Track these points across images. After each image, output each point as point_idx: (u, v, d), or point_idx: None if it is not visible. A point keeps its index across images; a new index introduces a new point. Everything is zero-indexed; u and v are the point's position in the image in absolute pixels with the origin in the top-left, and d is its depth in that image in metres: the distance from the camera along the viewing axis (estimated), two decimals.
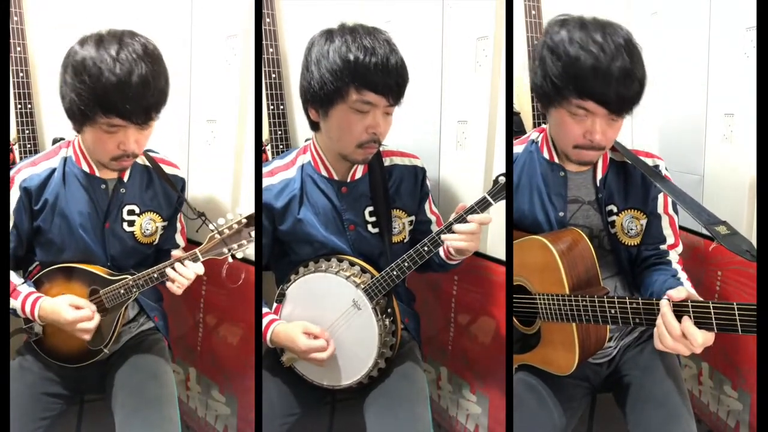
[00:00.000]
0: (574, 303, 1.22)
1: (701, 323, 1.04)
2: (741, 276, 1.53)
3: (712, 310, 1.02)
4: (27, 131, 2.08)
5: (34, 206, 1.42)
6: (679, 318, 1.06)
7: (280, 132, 2.01)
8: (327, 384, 1.44)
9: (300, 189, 1.42)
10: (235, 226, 1.35)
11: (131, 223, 1.47)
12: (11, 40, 2.02)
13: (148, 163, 1.50)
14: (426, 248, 1.32)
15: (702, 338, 1.04)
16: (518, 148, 1.43)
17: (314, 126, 1.41)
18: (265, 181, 1.42)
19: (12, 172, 1.43)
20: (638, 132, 1.90)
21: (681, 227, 1.41)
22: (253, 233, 1.36)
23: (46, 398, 1.44)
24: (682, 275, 1.33)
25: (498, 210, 1.32)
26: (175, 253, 1.39)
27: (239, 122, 1.61)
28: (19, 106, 2.06)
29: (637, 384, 1.37)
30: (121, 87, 1.25)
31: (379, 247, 1.45)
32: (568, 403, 1.39)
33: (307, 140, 1.50)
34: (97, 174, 1.44)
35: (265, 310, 1.43)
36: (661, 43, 1.79)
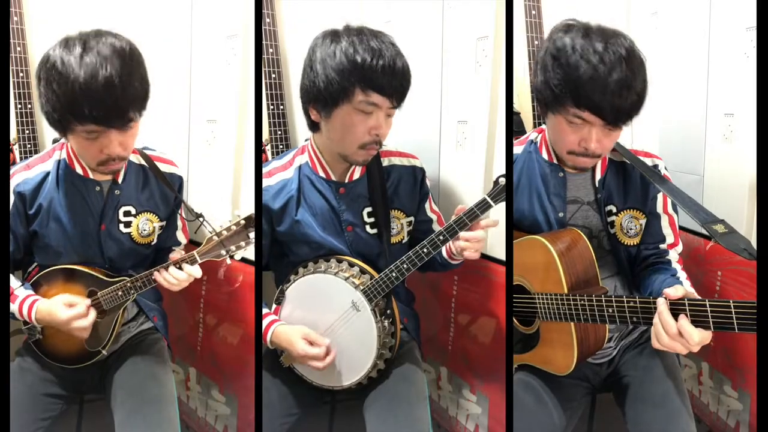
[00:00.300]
0: (572, 302, 1.22)
1: (698, 322, 1.04)
2: (741, 276, 1.53)
3: (708, 309, 1.02)
4: (27, 131, 2.08)
5: (29, 211, 1.41)
6: (675, 316, 1.06)
7: (280, 132, 2.01)
8: (327, 385, 1.44)
9: (297, 190, 1.42)
10: (234, 227, 1.35)
11: (128, 225, 1.46)
12: (11, 40, 2.02)
13: (144, 162, 1.48)
14: (425, 250, 1.32)
15: (698, 337, 1.04)
16: (517, 149, 1.43)
17: (313, 126, 1.40)
18: (263, 182, 1.42)
19: None
20: (638, 132, 1.90)
21: (680, 227, 1.41)
22: (251, 234, 1.35)
23: (46, 399, 1.44)
24: (682, 274, 1.33)
25: (498, 210, 1.32)
26: (174, 255, 1.38)
27: (239, 122, 1.61)
28: (19, 106, 2.06)
29: (636, 384, 1.37)
30: (86, 91, 1.19)
31: (377, 247, 1.44)
32: (568, 403, 1.39)
33: (306, 140, 1.50)
34: (91, 176, 1.42)
35: (265, 310, 1.43)
36: (661, 43, 1.79)
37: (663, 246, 1.38)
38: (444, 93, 1.64)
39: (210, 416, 1.77)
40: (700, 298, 1.06)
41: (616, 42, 1.19)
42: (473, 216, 1.29)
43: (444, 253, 1.40)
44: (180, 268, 1.35)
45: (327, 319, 1.40)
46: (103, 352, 1.44)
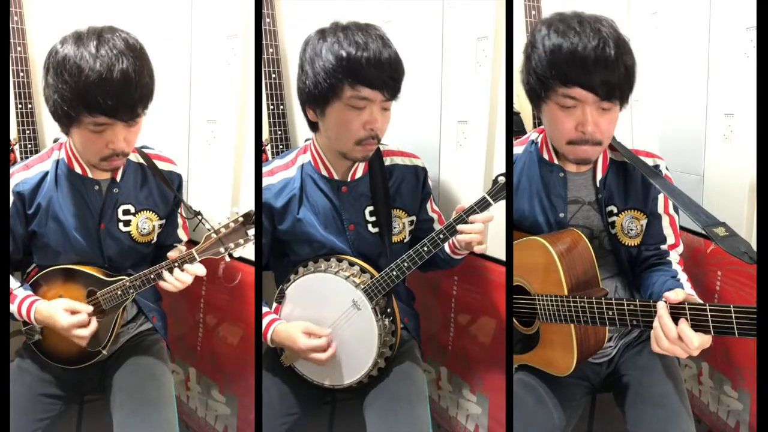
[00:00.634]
0: (572, 304, 1.22)
1: (698, 326, 1.03)
2: (741, 276, 1.53)
3: (708, 313, 1.02)
4: (27, 131, 2.08)
5: (28, 211, 1.41)
6: (675, 320, 1.05)
7: (280, 132, 2.01)
8: (327, 383, 1.44)
9: (300, 188, 1.42)
10: (232, 224, 1.34)
11: (127, 223, 1.46)
12: (11, 40, 2.02)
13: (142, 161, 1.48)
14: (426, 248, 1.32)
15: (698, 341, 1.03)
16: (518, 149, 1.43)
17: (313, 126, 1.41)
18: (265, 181, 1.42)
19: None
20: (638, 132, 1.90)
21: (681, 227, 1.41)
22: (250, 232, 1.35)
23: (45, 399, 1.44)
24: (682, 276, 1.32)
25: (498, 210, 1.32)
26: (172, 254, 1.38)
27: (239, 122, 1.61)
28: (19, 106, 2.06)
29: (636, 384, 1.37)
30: (102, 83, 1.22)
31: (379, 246, 1.45)
32: (568, 402, 1.39)
33: (307, 140, 1.50)
34: (90, 175, 1.42)
35: (265, 309, 1.43)
36: (661, 43, 1.79)
37: (663, 247, 1.38)
38: (444, 93, 1.64)
39: (210, 416, 1.77)
40: (700, 302, 1.06)
41: (594, 20, 1.20)
42: (473, 214, 1.29)
43: (447, 249, 1.40)
44: (180, 267, 1.35)
45: (328, 317, 1.40)
46: (104, 352, 1.44)
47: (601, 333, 1.30)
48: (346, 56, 1.26)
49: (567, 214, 1.36)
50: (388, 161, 1.47)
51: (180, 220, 1.56)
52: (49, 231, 1.41)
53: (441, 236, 1.32)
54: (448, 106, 1.64)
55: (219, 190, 1.66)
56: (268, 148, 2.01)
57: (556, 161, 1.37)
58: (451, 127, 1.63)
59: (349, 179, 1.44)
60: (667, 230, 1.38)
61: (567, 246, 1.28)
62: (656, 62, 1.77)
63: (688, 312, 1.04)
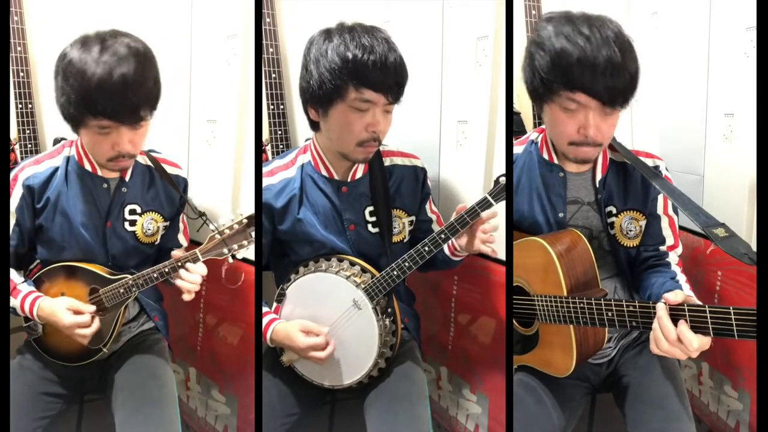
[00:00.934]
0: (571, 305, 1.22)
1: (698, 327, 1.03)
2: (741, 276, 1.53)
3: (708, 315, 1.01)
4: (27, 131, 2.09)
5: (37, 204, 1.43)
6: (675, 322, 1.05)
7: (280, 132, 2.01)
8: (327, 384, 1.44)
9: (300, 189, 1.42)
10: (236, 226, 1.35)
11: (132, 223, 1.48)
12: (11, 40, 2.02)
13: (150, 163, 1.50)
14: (426, 248, 1.32)
15: (698, 343, 1.03)
16: (518, 149, 1.43)
17: (314, 126, 1.41)
18: (265, 181, 1.42)
19: (16, 170, 1.44)
20: (638, 132, 1.90)
21: (681, 227, 1.41)
22: (253, 234, 1.36)
23: (46, 398, 1.45)
24: (681, 277, 1.32)
25: (498, 210, 1.32)
26: (176, 253, 1.39)
27: (239, 122, 1.61)
28: (19, 106, 2.06)
29: (636, 384, 1.37)
30: (102, 87, 1.25)
31: (379, 246, 1.45)
32: (568, 403, 1.39)
33: (307, 140, 1.50)
34: (99, 173, 1.45)
35: (265, 309, 1.43)
36: (661, 43, 1.79)
37: (663, 248, 1.37)
38: (444, 93, 1.64)
39: (210, 416, 1.77)
40: (700, 303, 1.05)
41: (601, 24, 1.19)
42: (474, 214, 1.29)
43: (446, 251, 1.40)
44: (183, 266, 1.36)
45: (328, 317, 1.40)
46: (104, 350, 1.44)
47: (600, 334, 1.30)
48: (352, 58, 1.26)
49: (566, 214, 1.36)
50: (387, 161, 1.47)
51: (181, 225, 1.57)
52: (56, 225, 1.43)
53: (442, 236, 1.32)
54: (448, 106, 1.64)
55: (219, 190, 1.66)
56: (268, 148, 2.01)
57: (555, 161, 1.37)
58: (451, 127, 1.63)
59: (349, 179, 1.44)
60: (666, 231, 1.38)
61: (566, 246, 1.28)
62: (656, 62, 1.77)
63: (687, 313, 1.04)
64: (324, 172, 1.43)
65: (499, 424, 1.59)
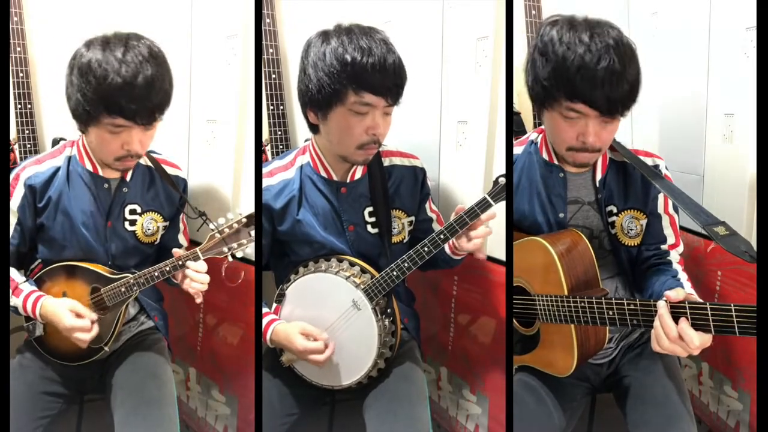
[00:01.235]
0: (572, 304, 1.22)
1: (699, 325, 1.03)
2: (741, 276, 1.53)
3: (709, 312, 1.01)
4: (27, 131, 2.09)
5: (38, 204, 1.43)
6: (676, 319, 1.05)
7: (280, 132, 2.01)
8: (327, 384, 1.44)
9: (299, 190, 1.42)
10: (236, 225, 1.36)
11: (133, 223, 1.48)
12: (11, 40, 2.02)
13: (150, 164, 1.51)
14: (426, 249, 1.32)
15: (699, 340, 1.03)
16: (518, 149, 1.43)
17: (313, 129, 1.40)
18: (264, 182, 1.42)
19: (17, 170, 1.45)
20: (638, 132, 1.90)
21: (681, 227, 1.41)
22: (253, 233, 1.36)
23: (46, 397, 1.45)
24: (682, 276, 1.32)
25: (498, 210, 1.32)
26: (177, 251, 1.39)
27: (239, 122, 1.61)
28: (19, 106, 2.06)
29: (637, 384, 1.36)
30: (126, 88, 1.27)
31: (378, 247, 1.45)
32: (568, 403, 1.39)
33: (306, 141, 1.50)
34: (101, 173, 1.45)
35: (264, 310, 1.43)
36: (661, 43, 1.79)
37: (664, 247, 1.37)
38: (444, 93, 1.64)
39: (210, 416, 1.77)
40: (701, 301, 1.05)
41: (602, 32, 1.18)
42: (474, 215, 1.29)
43: (447, 250, 1.40)
44: (183, 265, 1.36)
45: (328, 318, 1.40)
46: (105, 348, 1.44)
47: (601, 334, 1.30)
48: (351, 61, 1.26)
49: (567, 214, 1.36)
50: (386, 162, 1.47)
51: (181, 226, 1.58)
52: (57, 224, 1.44)
53: (441, 236, 1.32)
54: (448, 106, 1.63)
55: (219, 190, 1.66)
56: (268, 148, 2.01)
57: (555, 161, 1.37)
58: (451, 127, 1.63)
59: (348, 180, 1.44)
60: (667, 230, 1.38)
61: (567, 246, 1.28)
62: (656, 62, 1.77)
63: (688, 311, 1.04)
64: (323, 173, 1.43)
65: (499, 424, 1.59)
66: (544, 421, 1.35)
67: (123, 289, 1.40)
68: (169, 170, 1.53)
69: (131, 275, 1.40)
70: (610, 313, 1.16)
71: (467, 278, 1.64)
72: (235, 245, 1.36)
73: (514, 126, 1.63)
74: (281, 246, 1.47)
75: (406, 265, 1.34)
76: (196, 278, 1.36)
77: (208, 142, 1.70)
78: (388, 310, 1.39)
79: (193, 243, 1.57)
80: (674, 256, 1.37)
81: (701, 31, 1.60)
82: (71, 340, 1.41)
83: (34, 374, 1.46)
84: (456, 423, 1.73)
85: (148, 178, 1.51)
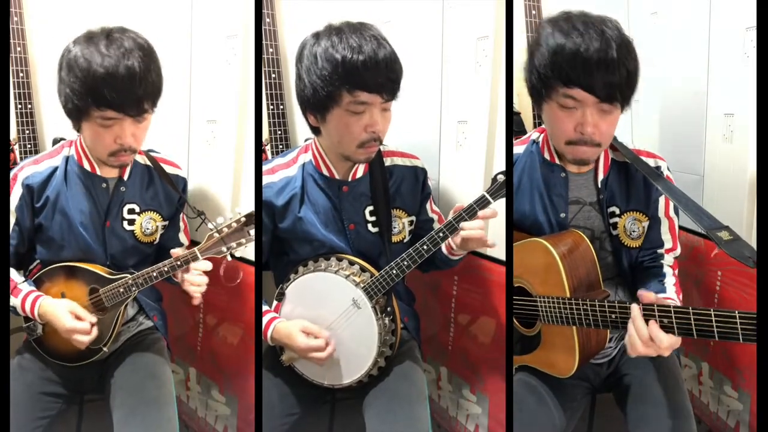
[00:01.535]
0: (574, 306, 1.22)
1: (666, 327, 1.07)
2: (741, 276, 1.53)
3: (673, 314, 1.06)
4: (27, 131, 2.09)
5: (36, 204, 1.43)
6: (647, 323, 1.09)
7: (280, 132, 2.01)
8: (327, 383, 1.44)
9: (301, 188, 1.42)
10: (234, 224, 1.35)
11: (131, 222, 1.48)
12: (11, 40, 2.02)
13: (149, 163, 1.50)
14: (425, 247, 1.32)
15: (668, 341, 1.07)
16: (519, 149, 1.43)
17: (315, 131, 1.41)
18: (266, 179, 1.42)
19: (15, 170, 1.45)
20: (638, 132, 1.90)
21: (681, 227, 1.41)
22: (252, 232, 1.36)
23: (46, 398, 1.44)
24: (670, 279, 1.33)
25: (497, 207, 1.32)
26: (176, 252, 1.39)
27: (239, 122, 1.61)
28: (19, 106, 2.06)
29: (637, 384, 1.36)
30: (108, 78, 1.28)
31: (378, 246, 1.45)
32: (568, 403, 1.39)
33: (307, 140, 1.50)
34: (98, 172, 1.45)
35: (265, 308, 1.43)
36: (661, 43, 1.79)
37: (660, 251, 1.38)
38: (444, 93, 1.64)
39: (210, 416, 1.77)
40: (667, 304, 1.09)
41: (600, 22, 1.19)
42: (472, 213, 1.29)
43: (444, 250, 1.40)
44: (182, 265, 1.35)
45: (328, 316, 1.40)
46: (104, 349, 1.44)
47: (602, 334, 1.30)
48: (341, 60, 1.26)
49: (568, 214, 1.36)
50: (388, 162, 1.47)
51: (182, 225, 1.58)
52: (55, 224, 1.43)
53: (440, 235, 1.32)
54: (448, 106, 1.63)
55: (219, 190, 1.66)
56: (268, 148, 2.01)
57: (557, 161, 1.36)
58: (451, 127, 1.63)
59: (349, 179, 1.44)
60: (666, 235, 1.38)
61: (569, 247, 1.28)
62: (656, 62, 1.77)
63: (656, 313, 1.08)
64: (325, 172, 1.43)
65: (499, 424, 1.59)
66: (545, 420, 1.35)
67: (122, 290, 1.40)
68: (169, 169, 1.52)
69: (130, 276, 1.40)
70: (613, 316, 1.16)
71: (467, 278, 1.64)
72: (233, 245, 1.35)
73: (514, 126, 1.63)
74: (281, 244, 1.47)
75: (405, 263, 1.34)
76: (195, 281, 1.36)
77: (208, 142, 1.70)
78: (388, 309, 1.39)
79: (192, 242, 1.57)
80: (668, 260, 1.37)
81: (701, 31, 1.60)
82: (70, 341, 1.41)
83: (34, 375, 1.46)
84: (456, 423, 1.73)
85: (146, 178, 1.50)
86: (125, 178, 1.47)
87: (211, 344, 1.75)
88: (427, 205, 1.52)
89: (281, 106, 2.01)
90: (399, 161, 1.49)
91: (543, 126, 1.40)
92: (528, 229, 1.38)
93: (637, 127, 1.90)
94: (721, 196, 1.57)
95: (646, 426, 1.30)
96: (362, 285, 1.37)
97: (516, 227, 1.38)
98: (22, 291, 1.42)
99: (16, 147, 2.07)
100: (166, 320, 1.59)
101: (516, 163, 1.41)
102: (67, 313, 1.38)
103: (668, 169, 1.37)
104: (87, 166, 1.45)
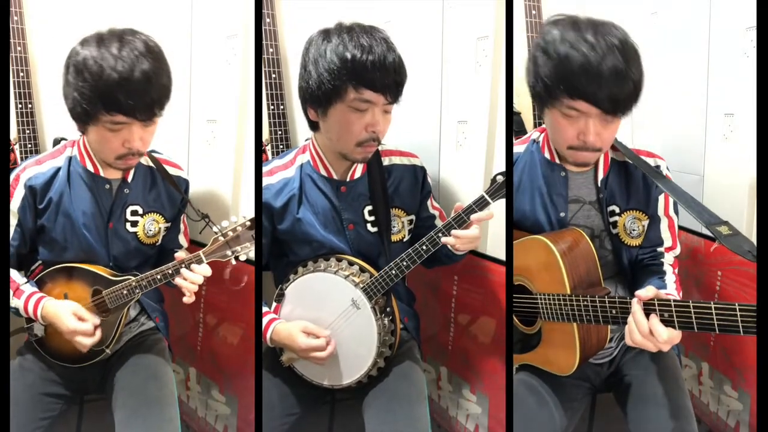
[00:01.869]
0: (575, 303, 1.22)
1: (666, 321, 1.09)
2: (741, 276, 1.53)
3: (673, 309, 1.07)
4: (27, 131, 2.09)
5: (39, 205, 1.43)
6: (647, 316, 1.10)
7: (280, 132, 2.01)
8: (326, 383, 1.44)
9: (299, 188, 1.42)
10: (239, 228, 1.35)
11: (134, 224, 1.48)
12: (11, 40, 2.02)
13: (152, 164, 1.50)
14: (424, 247, 1.32)
15: (667, 335, 1.08)
16: (519, 148, 1.43)
17: (313, 126, 1.41)
18: (264, 181, 1.42)
19: (17, 171, 1.44)
20: (638, 132, 1.90)
21: (681, 227, 1.41)
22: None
23: (47, 398, 1.44)
24: (670, 277, 1.33)
25: (498, 209, 1.32)
26: (179, 255, 1.39)
27: (239, 122, 1.61)
28: (19, 106, 2.06)
29: (638, 384, 1.37)
30: (123, 83, 1.26)
31: (378, 246, 1.45)
32: (569, 403, 1.39)
33: (306, 140, 1.50)
34: (102, 174, 1.45)
35: (264, 309, 1.43)
36: (661, 43, 1.79)
37: (660, 249, 1.38)
38: (444, 93, 1.64)
39: (210, 416, 1.77)
40: (668, 298, 1.11)
41: (607, 31, 1.18)
42: (471, 213, 1.29)
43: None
44: (188, 268, 1.35)
45: (327, 317, 1.40)
46: (107, 351, 1.44)
47: (602, 332, 1.30)
48: (351, 58, 1.26)
49: (568, 213, 1.36)
50: (386, 161, 1.47)
51: (182, 226, 1.58)
52: (58, 226, 1.43)
53: (440, 235, 1.32)
54: (448, 106, 1.64)
55: (219, 190, 1.66)
56: (268, 148, 2.01)
57: (557, 160, 1.37)
58: (451, 127, 1.63)
59: (348, 179, 1.44)
60: (665, 233, 1.38)
61: (569, 245, 1.28)
62: (656, 62, 1.77)
63: (657, 308, 1.09)
64: (323, 172, 1.43)
65: (499, 424, 1.59)
66: (545, 420, 1.35)
67: (125, 292, 1.40)
68: (171, 171, 1.52)
69: (133, 278, 1.40)
70: (614, 311, 1.17)
71: (467, 278, 1.64)
72: (238, 249, 1.35)
73: (514, 126, 1.63)
74: (280, 245, 1.47)
75: (404, 263, 1.34)
76: (190, 278, 1.35)
77: (208, 142, 1.70)
78: (388, 309, 1.39)
79: (195, 244, 1.57)
80: (668, 258, 1.38)
81: (701, 31, 1.60)
82: (72, 342, 1.41)
83: (35, 375, 1.46)
84: (456, 423, 1.73)
85: (149, 179, 1.50)
86: (128, 179, 1.47)
87: (211, 344, 1.75)
88: (428, 203, 1.52)
89: (281, 106, 2.01)
90: (397, 160, 1.49)
91: (543, 126, 1.40)
92: (528, 229, 1.38)
93: (637, 126, 1.90)
94: (721, 196, 1.57)
95: (647, 426, 1.30)
96: (362, 285, 1.37)
97: (516, 226, 1.38)
98: (24, 292, 1.42)
99: (17, 147, 2.07)
100: (167, 321, 1.60)
101: (516, 162, 1.41)
102: (70, 314, 1.38)
103: (667, 168, 1.37)
104: (90, 167, 1.44)
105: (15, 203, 1.42)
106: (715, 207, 1.24)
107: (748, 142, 1.46)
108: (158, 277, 1.37)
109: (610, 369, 1.44)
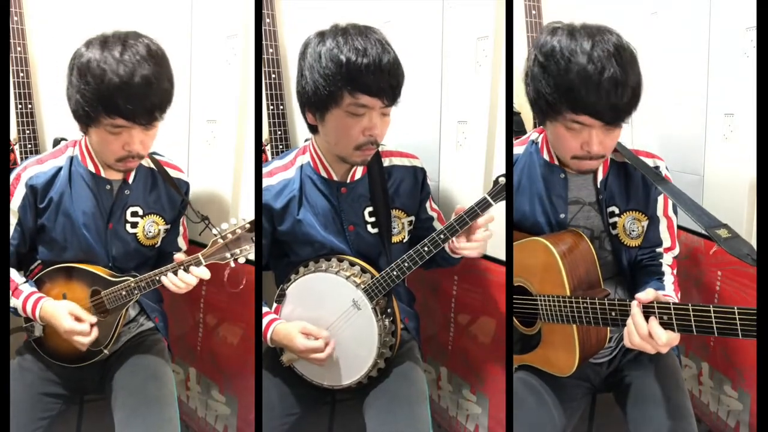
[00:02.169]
0: (574, 304, 1.22)
1: (666, 324, 1.09)
2: (741, 276, 1.53)
3: (672, 311, 1.07)
4: (27, 131, 2.09)
5: (39, 204, 1.43)
6: (647, 319, 1.10)
7: (280, 132, 2.01)
8: (327, 384, 1.44)
9: (299, 190, 1.42)
10: (239, 231, 1.35)
11: (134, 225, 1.48)
12: (11, 40, 2.02)
13: (153, 166, 1.50)
14: (426, 249, 1.32)
15: (666, 338, 1.08)
16: (519, 149, 1.43)
17: (312, 129, 1.41)
18: (264, 182, 1.42)
19: (18, 170, 1.44)
20: (638, 132, 1.90)
21: (681, 227, 1.41)
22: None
23: (46, 398, 1.44)
24: (669, 278, 1.34)
25: (498, 210, 1.32)
26: (178, 256, 1.39)
27: (239, 122, 1.61)
28: (19, 106, 2.06)
29: (637, 384, 1.37)
30: (123, 88, 1.26)
31: (378, 247, 1.45)
32: (568, 403, 1.39)
33: (306, 140, 1.50)
34: (103, 174, 1.45)
35: (265, 309, 1.43)
36: (661, 43, 1.78)
37: (659, 249, 1.38)
38: (444, 93, 1.64)
39: (210, 416, 1.77)
40: (667, 301, 1.11)
41: (602, 39, 1.18)
42: (474, 215, 1.29)
43: (447, 248, 1.40)
44: (186, 270, 1.35)
45: (328, 317, 1.40)
46: (105, 351, 1.44)
47: (602, 333, 1.30)
48: (346, 62, 1.25)
49: (567, 214, 1.36)
50: (386, 162, 1.47)
51: (181, 229, 1.58)
52: (58, 225, 1.43)
53: (441, 236, 1.32)
54: (448, 106, 1.64)
55: (219, 191, 1.66)
56: (268, 148, 2.01)
57: (556, 162, 1.37)
58: (451, 127, 1.63)
59: (348, 180, 1.44)
60: (664, 234, 1.38)
61: (569, 246, 1.28)
62: (656, 62, 1.77)
63: (656, 310, 1.09)
64: (323, 174, 1.43)
65: (499, 424, 1.59)
66: (545, 420, 1.35)
67: (124, 293, 1.40)
68: (172, 173, 1.52)
69: (132, 279, 1.39)
70: (613, 314, 1.17)
71: (467, 278, 1.64)
72: (237, 251, 1.35)
73: (514, 126, 1.63)
74: (281, 246, 1.47)
75: (406, 264, 1.34)
76: (184, 279, 1.35)
77: (208, 142, 1.70)
78: (388, 310, 1.39)
79: (194, 245, 1.56)
80: (667, 259, 1.38)
81: (701, 31, 1.60)
82: (70, 342, 1.41)
83: (34, 375, 1.46)
84: (456, 423, 1.73)
85: (150, 181, 1.50)
86: (129, 181, 1.47)
87: (211, 344, 1.75)
88: (427, 204, 1.52)
89: (281, 107, 2.01)
90: (397, 161, 1.49)
91: (542, 127, 1.40)
92: (528, 230, 1.38)
93: (636, 127, 1.90)
94: (721, 196, 1.57)
95: (647, 426, 1.30)
96: (363, 286, 1.37)
97: (516, 228, 1.38)
98: (23, 292, 1.42)
99: (17, 147, 2.07)
100: (166, 321, 1.60)
101: (515, 163, 1.41)
102: (66, 314, 1.38)
103: (667, 168, 1.37)
104: (91, 168, 1.44)
105: (15, 202, 1.42)
106: (714, 207, 1.24)
107: (748, 142, 1.46)
108: (157, 278, 1.37)
109: (610, 369, 1.45)
